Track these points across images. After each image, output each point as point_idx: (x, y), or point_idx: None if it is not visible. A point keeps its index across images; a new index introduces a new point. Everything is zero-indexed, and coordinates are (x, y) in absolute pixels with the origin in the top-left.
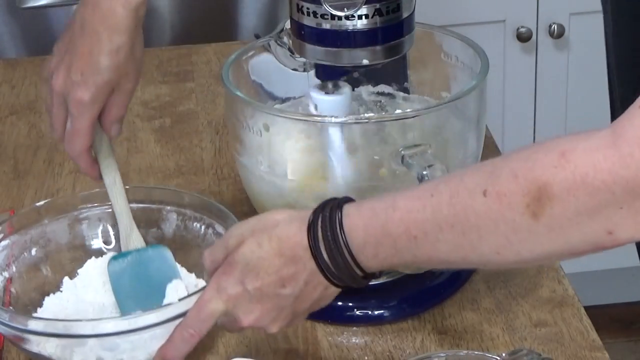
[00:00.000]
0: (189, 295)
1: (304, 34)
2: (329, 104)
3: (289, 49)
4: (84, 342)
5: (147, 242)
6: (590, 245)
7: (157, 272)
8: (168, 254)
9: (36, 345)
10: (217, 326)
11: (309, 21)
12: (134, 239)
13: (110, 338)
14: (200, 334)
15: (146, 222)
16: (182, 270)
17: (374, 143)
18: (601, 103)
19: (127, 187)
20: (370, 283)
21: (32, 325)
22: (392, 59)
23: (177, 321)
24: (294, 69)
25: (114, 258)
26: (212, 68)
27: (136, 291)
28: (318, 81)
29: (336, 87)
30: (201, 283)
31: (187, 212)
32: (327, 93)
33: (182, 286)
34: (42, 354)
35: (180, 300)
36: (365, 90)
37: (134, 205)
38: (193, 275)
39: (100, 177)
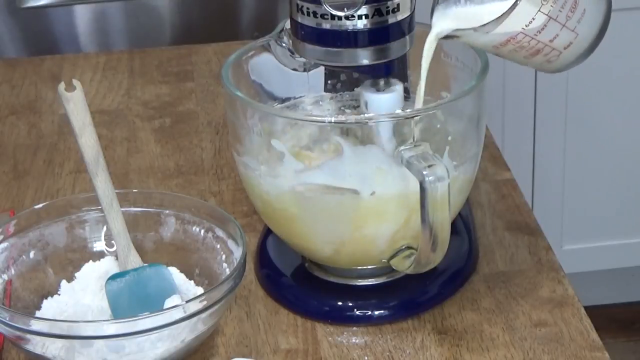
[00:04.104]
0: (195, 297)
1: (304, 34)
2: (382, 101)
3: (289, 49)
4: (90, 344)
5: (145, 247)
6: None
7: (156, 291)
8: (167, 272)
9: (40, 346)
10: (216, 326)
11: (308, 21)
12: (131, 260)
13: (116, 340)
14: None
15: (144, 226)
16: (181, 277)
17: (373, 143)
18: (601, 103)
19: (125, 191)
20: (370, 283)
21: (37, 325)
22: (392, 59)
23: (183, 323)
24: (294, 69)
25: (111, 278)
26: (212, 68)
27: (134, 310)
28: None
29: (387, 85)
30: (199, 290)
31: (186, 216)
32: (378, 91)
33: (180, 301)
34: (45, 356)
35: (187, 301)
36: None
37: (132, 209)
38: (192, 282)
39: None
